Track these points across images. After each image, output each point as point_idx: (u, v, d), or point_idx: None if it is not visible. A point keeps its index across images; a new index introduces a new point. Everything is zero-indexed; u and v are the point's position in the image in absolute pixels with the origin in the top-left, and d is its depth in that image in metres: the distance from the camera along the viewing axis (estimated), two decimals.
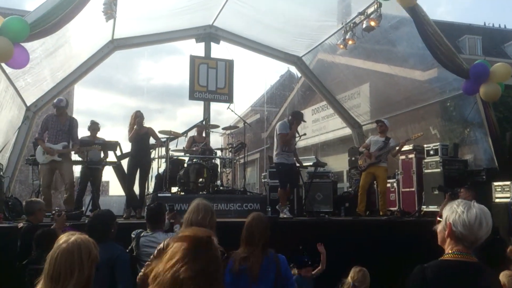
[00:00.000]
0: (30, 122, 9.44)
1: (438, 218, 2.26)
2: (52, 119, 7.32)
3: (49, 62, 8.77)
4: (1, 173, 7.24)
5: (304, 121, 7.93)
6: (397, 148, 8.50)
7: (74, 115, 7.89)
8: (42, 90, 9.46)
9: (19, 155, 9.16)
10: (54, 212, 4.99)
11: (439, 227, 2.23)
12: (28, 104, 9.31)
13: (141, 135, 7.78)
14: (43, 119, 7.51)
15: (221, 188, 9.32)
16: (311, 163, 9.36)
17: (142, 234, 4.21)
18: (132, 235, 4.39)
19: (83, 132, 8.11)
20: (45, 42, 7.65)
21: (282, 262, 3.52)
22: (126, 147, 8.71)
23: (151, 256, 3.29)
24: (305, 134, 8.48)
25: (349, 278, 4.27)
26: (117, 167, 9.09)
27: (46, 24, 6.26)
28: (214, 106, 11.86)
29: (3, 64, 6.75)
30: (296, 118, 7.91)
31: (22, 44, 6.36)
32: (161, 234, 4.19)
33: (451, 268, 2.11)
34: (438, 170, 8.37)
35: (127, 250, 4.09)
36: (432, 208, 8.19)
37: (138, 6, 9.15)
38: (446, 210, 2.20)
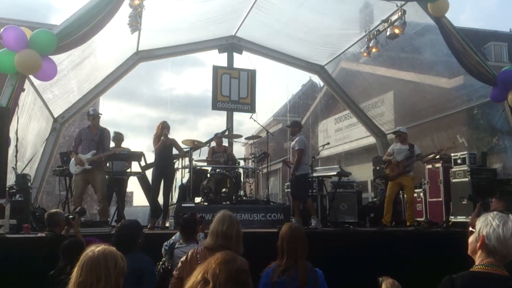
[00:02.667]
0: (57, 134, 9.60)
1: (471, 229, 2.21)
2: (85, 131, 7.49)
3: (75, 74, 8.93)
4: (29, 184, 7.35)
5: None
6: (430, 156, 8.44)
7: None
8: (69, 102, 9.64)
9: (46, 166, 9.31)
10: (69, 216, 5.04)
11: (470, 238, 2.18)
12: (55, 116, 9.49)
13: (165, 146, 7.85)
14: (77, 133, 7.68)
15: (244, 198, 9.28)
16: (335, 173, 9.26)
17: (176, 246, 4.19)
18: (165, 247, 4.36)
19: None
20: (71, 53, 7.77)
21: (320, 275, 3.47)
22: (150, 157, 8.80)
23: (176, 270, 3.34)
24: (328, 144, 8.40)
25: None
26: (142, 178, 9.16)
27: (73, 37, 6.39)
28: (236, 116, 11.93)
29: (31, 77, 6.89)
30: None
31: (50, 56, 6.51)
32: (196, 246, 4.06)
33: (481, 280, 2.06)
34: (466, 179, 8.18)
35: (160, 263, 4.08)
36: (461, 218, 7.99)
37: (163, 19, 9.26)
38: (480, 221, 2.15)
